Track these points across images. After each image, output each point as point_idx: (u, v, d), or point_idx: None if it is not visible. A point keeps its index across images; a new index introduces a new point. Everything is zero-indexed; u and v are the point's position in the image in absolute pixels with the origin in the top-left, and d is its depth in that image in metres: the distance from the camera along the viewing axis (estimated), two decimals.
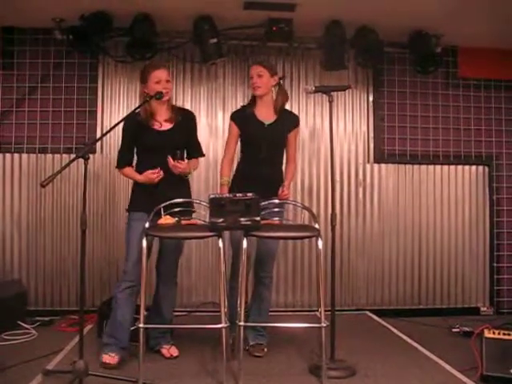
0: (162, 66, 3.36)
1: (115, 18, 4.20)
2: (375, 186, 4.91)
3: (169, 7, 4.06)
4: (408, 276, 4.90)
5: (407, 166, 4.92)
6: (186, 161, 3.33)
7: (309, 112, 4.87)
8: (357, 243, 4.87)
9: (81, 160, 2.73)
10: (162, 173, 3.16)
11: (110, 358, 3.08)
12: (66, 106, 4.59)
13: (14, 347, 3.55)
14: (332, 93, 3.23)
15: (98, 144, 4.57)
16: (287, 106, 4.67)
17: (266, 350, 3.43)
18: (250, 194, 2.90)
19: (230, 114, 3.61)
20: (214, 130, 4.74)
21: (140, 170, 3.27)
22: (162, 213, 3.10)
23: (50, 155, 4.56)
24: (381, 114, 4.91)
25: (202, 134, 4.56)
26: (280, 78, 3.54)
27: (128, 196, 3.37)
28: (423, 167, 4.93)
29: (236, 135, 3.50)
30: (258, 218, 2.90)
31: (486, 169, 4.99)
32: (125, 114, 3.37)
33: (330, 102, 3.21)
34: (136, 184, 3.33)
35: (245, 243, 2.97)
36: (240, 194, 2.91)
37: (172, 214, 3.11)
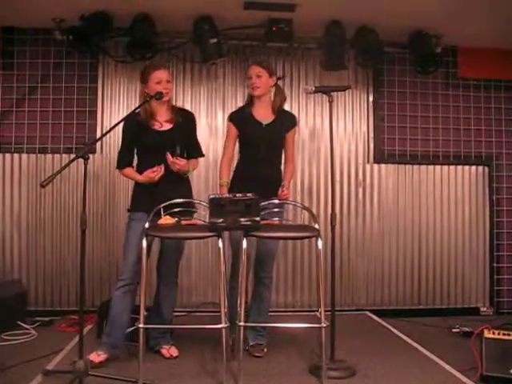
0: (163, 66, 3.38)
1: (115, 18, 4.20)
2: (375, 186, 4.91)
3: (169, 7, 4.06)
4: (408, 276, 4.91)
5: (407, 166, 4.92)
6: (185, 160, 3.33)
7: (309, 112, 4.87)
8: (357, 243, 4.87)
9: (81, 160, 2.73)
10: (162, 169, 3.17)
11: (95, 356, 3.09)
12: (66, 106, 4.59)
13: (14, 347, 3.55)
14: (332, 93, 3.23)
15: (98, 144, 4.57)
16: (287, 106, 4.71)
17: (265, 350, 3.43)
18: (249, 194, 2.91)
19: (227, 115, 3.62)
20: (214, 130, 4.74)
21: (140, 171, 3.28)
22: (162, 213, 3.10)
23: (50, 155, 4.56)
24: (381, 114, 4.91)
25: (202, 134, 4.56)
26: (278, 79, 3.55)
27: (128, 196, 3.37)
28: (423, 167, 4.93)
29: (234, 136, 3.51)
30: (257, 219, 2.90)
31: (486, 169, 4.99)
32: (125, 114, 3.37)
33: (330, 102, 3.21)
34: (136, 184, 3.34)
35: (245, 243, 2.97)
36: (240, 194, 2.91)
37: (172, 214, 3.11)
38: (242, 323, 2.94)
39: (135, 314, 3.09)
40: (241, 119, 3.49)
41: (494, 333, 3.08)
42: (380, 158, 4.90)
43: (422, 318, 4.61)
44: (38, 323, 4.09)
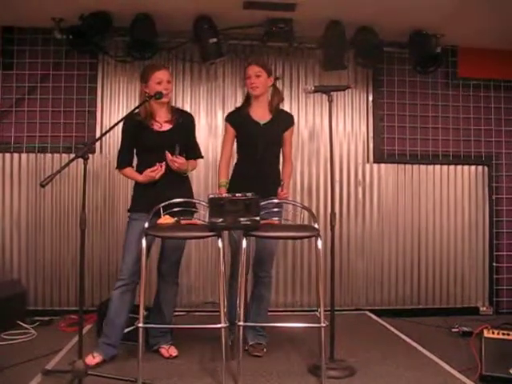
0: (164, 66, 3.41)
1: (115, 17, 4.20)
2: (375, 185, 4.91)
3: (169, 7, 4.06)
4: (407, 276, 4.91)
5: (407, 165, 4.92)
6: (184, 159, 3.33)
7: (308, 112, 4.87)
8: (356, 243, 4.88)
9: (80, 160, 2.74)
10: (163, 168, 3.17)
11: (90, 358, 3.08)
12: (66, 105, 4.58)
13: (14, 347, 3.55)
14: (331, 93, 3.23)
15: (98, 144, 4.58)
16: (287, 105, 4.75)
17: (265, 349, 3.43)
18: (249, 194, 2.91)
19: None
20: (214, 129, 4.74)
21: (140, 171, 3.28)
22: (162, 213, 3.10)
23: (50, 155, 4.56)
24: (380, 113, 4.91)
25: (202, 134, 4.57)
26: (276, 79, 3.56)
27: (127, 196, 3.37)
28: (423, 167, 4.93)
29: (232, 136, 3.52)
30: (257, 218, 2.90)
31: (486, 169, 4.99)
32: (124, 114, 3.37)
33: (330, 102, 3.21)
34: (137, 184, 3.34)
35: (244, 243, 2.97)
36: (239, 194, 2.91)
37: (172, 214, 3.12)
38: (241, 323, 2.95)
39: (135, 314, 3.09)
40: (238, 119, 3.50)
41: (493, 332, 3.09)
42: (379, 157, 4.90)
43: (421, 317, 4.62)
44: (37, 323, 4.09)
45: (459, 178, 4.97)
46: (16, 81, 4.54)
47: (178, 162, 3.19)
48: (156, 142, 3.24)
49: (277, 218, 3.34)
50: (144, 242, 2.95)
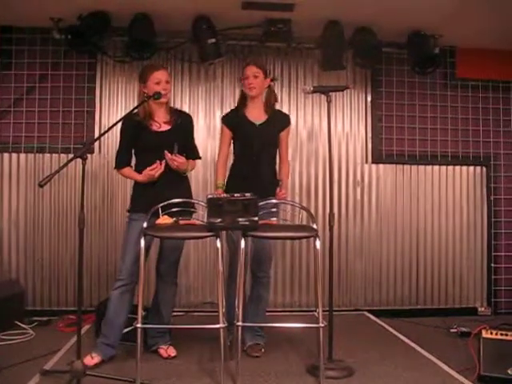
0: (163, 67, 3.42)
1: (113, 17, 4.20)
2: (373, 186, 4.91)
3: (167, 7, 4.06)
4: (406, 276, 4.91)
5: (405, 166, 4.93)
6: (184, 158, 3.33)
7: (307, 112, 4.87)
8: (355, 243, 4.88)
9: (79, 160, 2.73)
10: (162, 166, 3.17)
11: (89, 359, 3.08)
12: (64, 105, 4.58)
13: (12, 347, 3.55)
14: (330, 93, 3.23)
15: (96, 144, 4.58)
16: (286, 105, 4.77)
17: (263, 350, 3.43)
18: (247, 194, 2.91)
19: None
20: (212, 130, 4.74)
21: (139, 171, 3.28)
22: (160, 213, 3.10)
23: (48, 155, 4.55)
24: (379, 114, 4.91)
25: (200, 134, 4.57)
26: (272, 80, 3.57)
27: (126, 196, 3.37)
28: (421, 168, 4.94)
29: (228, 137, 3.53)
30: (255, 218, 2.90)
31: (484, 169, 4.99)
32: (123, 114, 3.37)
33: (328, 103, 3.21)
34: (136, 185, 3.35)
35: (243, 243, 2.97)
36: (238, 194, 2.91)
37: (171, 214, 3.11)
38: (240, 323, 2.94)
39: (133, 314, 3.09)
40: (234, 120, 3.52)
41: (491, 333, 3.09)
42: (378, 158, 4.90)
43: (419, 318, 4.62)
44: (35, 323, 4.09)
45: (457, 179, 4.97)
46: (14, 81, 4.54)
47: (177, 160, 3.19)
48: (155, 142, 3.24)
49: (275, 219, 3.34)
50: (143, 242, 2.95)
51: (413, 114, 4.93)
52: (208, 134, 4.74)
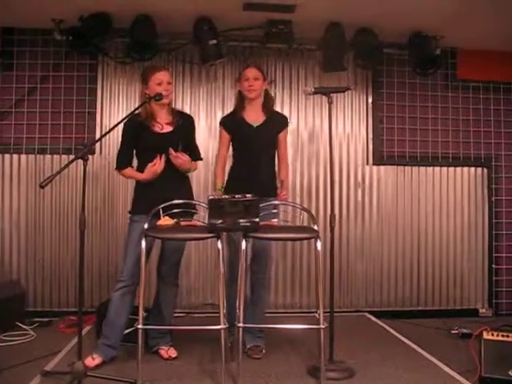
0: (164, 68, 3.43)
1: (115, 18, 4.20)
2: (374, 187, 4.91)
3: (168, 8, 4.06)
4: (407, 277, 4.91)
5: (406, 167, 4.93)
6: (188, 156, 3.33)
7: (308, 113, 4.87)
8: (356, 244, 4.87)
9: (80, 161, 2.74)
10: (162, 161, 3.17)
11: (90, 360, 3.08)
12: (66, 106, 4.59)
13: (13, 348, 3.55)
14: (331, 94, 3.24)
15: (97, 145, 4.58)
16: (286, 106, 4.77)
17: (264, 351, 3.43)
18: (249, 196, 2.90)
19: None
20: (214, 131, 4.73)
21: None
22: (161, 214, 3.10)
23: (49, 156, 4.56)
24: (380, 115, 4.91)
25: (201, 135, 4.57)
26: (269, 83, 3.59)
27: (127, 197, 3.36)
28: (422, 169, 4.93)
29: (227, 140, 3.55)
30: (257, 220, 2.90)
31: (485, 170, 4.99)
32: (124, 115, 3.37)
33: (330, 104, 3.21)
34: (137, 186, 3.35)
35: (244, 244, 2.97)
36: (239, 195, 2.90)
37: (172, 215, 3.11)
38: (241, 324, 2.94)
39: (134, 315, 3.09)
40: (232, 123, 3.53)
41: (492, 334, 3.09)
42: (379, 159, 4.90)
43: (420, 319, 4.62)
44: (36, 324, 4.09)
45: (459, 180, 4.97)
46: (16, 82, 4.54)
47: (181, 158, 3.20)
48: (157, 143, 3.24)
49: (275, 220, 3.34)
50: (143, 243, 2.95)
51: (414, 116, 4.93)
52: (209, 134, 4.74)
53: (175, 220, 3.09)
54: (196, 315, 4.50)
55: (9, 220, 4.52)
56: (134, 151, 3.35)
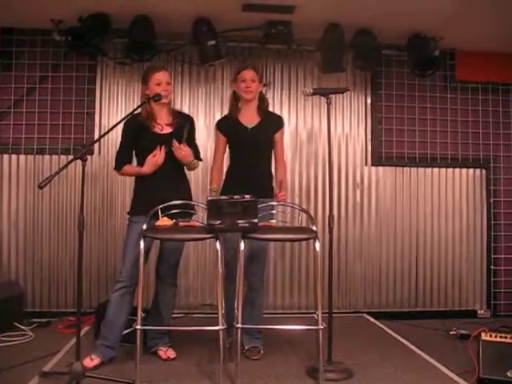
0: (164, 68, 3.43)
1: (114, 19, 4.21)
2: (373, 188, 4.91)
3: (168, 9, 4.06)
4: (405, 278, 4.91)
5: (405, 168, 4.93)
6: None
7: (307, 114, 4.87)
8: (354, 245, 4.88)
9: (78, 161, 2.74)
10: (162, 151, 3.18)
11: (88, 361, 3.08)
12: (64, 107, 4.58)
13: (11, 349, 3.54)
14: (330, 95, 3.23)
15: (96, 145, 4.58)
16: (285, 107, 4.78)
17: (262, 352, 3.43)
18: (247, 196, 2.90)
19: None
20: (213, 131, 4.70)
21: (140, 176, 3.29)
22: (160, 214, 3.10)
23: (48, 156, 4.56)
24: (379, 116, 4.92)
25: (200, 136, 4.57)
26: (264, 85, 3.63)
27: (125, 197, 3.36)
28: (421, 170, 4.94)
29: (223, 143, 3.56)
30: (255, 220, 2.90)
31: (484, 172, 4.99)
32: (123, 116, 3.37)
33: (328, 105, 3.21)
34: (136, 187, 3.36)
35: (242, 245, 2.97)
36: (238, 196, 2.90)
37: (170, 216, 3.11)
38: (239, 325, 2.94)
39: (133, 316, 3.09)
40: (227, 125, 3.54)
41: (491, 335, 3.09)
42: (378, 160, 4.90)
43: (419, 320, 4.62)
44: (34, 324, 4.08)
45: (457, 181, 4.97)
46: (14, 82, 4.54)
47: (184, 149, 3.20)
48: (156, 144, 3.23)
49: (274, 221, 3.34)
50: (142, 243, 2.94)
51: (412, 117, 4.94)
52: (208, 135, 4.74)
53: (174, 221, 3.09)
54: (195, 316, 4.50)
55: (7, 220, 4.52)
56: (134, 152, 3.35)
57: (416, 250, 4.92)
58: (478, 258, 4.96)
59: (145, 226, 3.03)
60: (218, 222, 2.87)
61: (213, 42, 4.23)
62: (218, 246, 2.94)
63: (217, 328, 2.90)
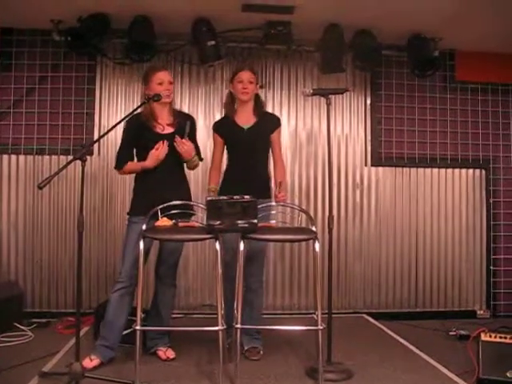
0: (165, 68, 3.45)
1: (113, 19, 4.21)
2: (372, 188, 4.91)
3: (167, 9, 4.06)
4: (405, 279, 4.91)
5: (404, 169, 4.93)
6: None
7: (306, 115, 4.87)
8: (354, 246, 4.87)
9: (78, 161, 2.73)
10: (165, 145, 3.19)
11: (88, 361, 3.07)
12: (64, 107, 4.58)
13: (11, 349, 3.54)
14: (330, 96, 3.23)
15: (96, 146, 4.58)
16: (285, 108, 4.78)
17: (261, 352, 3.42)
18: (247, 197, 2.90)
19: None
20: (212, 131, 4.72)
21: (140, 174, 3.29)
22: (160, 215, 3.10)
23: (48, 157, 4.55)
24: (378, 117, 4.92)
25: (200, 136, 4.54)
26: (260, 87, 3.64)
27: (125, 198, 3.35)
28: (420, 170, 4.94)
29: (220, 144, 3.57)
30: (255, 221, 2.90)
31: (483, 172, 4.99)
32: (122, 116, 3.37)
33: (328, 105, 3.21)
34: (136, 187, 3.36)
35: (242, 246, 2.97)
36: (237, 196, 2.90)
37: (170, 216, 3.11)
38: (238, 325, 2.94)
39: (133, 316, 3.09)
40: (224, 127, 3.56)
41: (490, 336, 3.09)
42: (377, 160, 4.90)
43: (418, 320, 4.62)
44: (34, 325, 4.08)
45: (457, 182, 4.98)
46: (14, 82, 4.54)
47: (186, 144, 3.21)
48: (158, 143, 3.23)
49: (274, 221, 3.34)
50: (141, 244, 2.94)
51: (412, 117, 4.94)
52: (208, 135, 4.71)
53: (173, 221, 3.09)
54: (194, 316, 4.50)
55: (7, 221, 4.52)
56: (134, 151, 3.35)
57: (416, 250, 4.92)
58: (478, 259, 4.96)
59: (144, 227, 3.03)
60: (218, 222, 2.87)
61: (212, 43, 4.23)
62: (217, 246, 2.94)
63: (216, 328, 2.90)
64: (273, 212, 3.39)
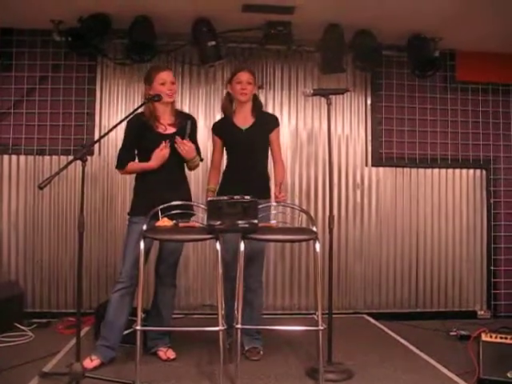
0: (168, 68, 3.47)
1: (114, 20, 4.21)
2: (373, 189, 4.91)
3: (168, 9, 4.06)
4: (405, 279, 4.91)
5: (405, 169, 4.93)
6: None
7: (307, 115, 4.87)
8: (354, 246, 4.87)
9: (79, 162, 2.73)
10: (167, 145, 3.19)
11: (88, 361, 3.07)
12: (64, 107, 4.58)
13: (11, 349, 3.54)
14: (330, 96, 3.23)
15: (96, 146, 4.58)
16: (285, 108, 4.78)
17: (261, 352, 3.42)
18: (247, 197, 2.90)
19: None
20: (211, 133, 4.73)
21: (142, 175, 3.30)
22: (160, 215, 3.10)
23: (48, 157, 4.56)
24: (379, 117, 4.91)
25: (200, 136, 4.54)
26: (258, 88, 3.63)
27: (125, 198, 3.34)
28: (421, 171, 4.94)
29: (219, 145, 3.58)
30: (255, 221, 2.90)
31: (484, 172, 4.99)
32: (123, 116, 3.36)
33: (328, 105, 3.21)
34: (136, 187, 3.36)
35: (242, 246, 2.97)
36: (238, 197, 2.90)
37: (170, 217, 3.11)
38: (239, 325, 2.94)
39: (133, 316, 3.09)
40: (222, 128, 3.57)
41: (491, 336, 3.09)
42: (378, 160, 4.90)
43: (419, 321, 4.62)
44: (34, 325, 4.08)
45: (457, 182, 4.97)
46: (14, 83, 4.54)
47: (187, 145, 3.21)
48: (159, 144, 3.23)
49: (274, 221, 3.34)
50: (142, 244, 2.94)
51: (413, 117, 4.94)
52: (208, 136, 4.67)
53: (174, 221, 3.10)
54: (194, 316, 4.50)
55: (7, 221, 4.52)
56: (136, 151, 3.35)
57: (416, 250, 4.92)
58: (478, 259, 4.96)
59: (145, 227, 3.04)
60: (218, 222, 2.87)
61: (213, 43, 4.23)
62: (217, 246, 2.94)
63: (217, 329, 2.90)
64: (273, 212, 3.39)
